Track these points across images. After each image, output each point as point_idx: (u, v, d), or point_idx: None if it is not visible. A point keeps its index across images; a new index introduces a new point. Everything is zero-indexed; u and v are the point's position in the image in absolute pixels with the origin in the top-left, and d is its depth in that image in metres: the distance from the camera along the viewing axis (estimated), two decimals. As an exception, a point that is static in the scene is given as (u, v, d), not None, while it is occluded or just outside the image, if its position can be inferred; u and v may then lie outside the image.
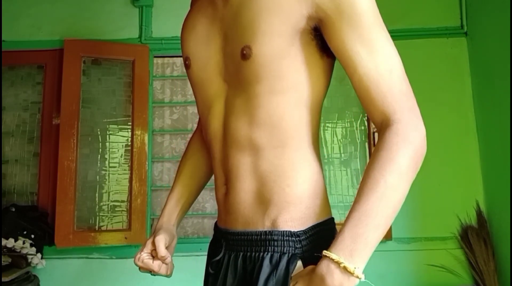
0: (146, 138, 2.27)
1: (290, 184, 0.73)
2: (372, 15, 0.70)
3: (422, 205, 2.21)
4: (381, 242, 2.30)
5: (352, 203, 0.66)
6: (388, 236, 2.14)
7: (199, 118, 0.94)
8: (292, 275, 0.68)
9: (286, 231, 0.72)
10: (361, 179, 0.67)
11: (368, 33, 0.69)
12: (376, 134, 2.22)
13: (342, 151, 2.31)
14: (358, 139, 2.31)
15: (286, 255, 0.70)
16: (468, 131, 2.26)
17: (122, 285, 2.20)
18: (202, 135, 0.92)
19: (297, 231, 0.72)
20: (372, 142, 2.23)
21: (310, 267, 0.66)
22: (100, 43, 2.32)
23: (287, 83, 0.73)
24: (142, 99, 2.28)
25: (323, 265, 0.61)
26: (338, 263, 0.60)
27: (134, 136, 2.26)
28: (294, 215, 0.73)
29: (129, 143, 2.29)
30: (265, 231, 0.73)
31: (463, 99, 2.29)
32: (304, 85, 0.74)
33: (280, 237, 0.71)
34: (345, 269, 0.60)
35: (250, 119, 0.74)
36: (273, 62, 0.71)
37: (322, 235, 0.73)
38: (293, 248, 0.70)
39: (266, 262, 0.70)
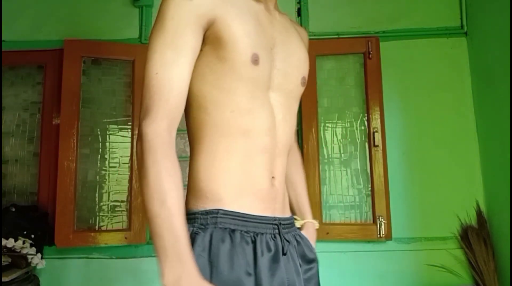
0: (146, 138, 2.27)
1: None
2: None
3: (422, 205, 2.21)
4: (381, 242, 2.29)
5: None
6: (388, 236, 2.14)
7: (221, 114, 0.87)
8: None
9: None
10: (295, 170, 1.22)
11: None
12: (376, 134, 2.22)
13: (342, 151, 2.31)
14: (358, 139, 2.31)
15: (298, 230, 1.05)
16: (468, 131, 2.26)
17: (122, 285, 2.20)
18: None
19: None
20: (372, 142, 2.23)
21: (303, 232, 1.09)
22: (100, 43, 2.32)
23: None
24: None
25: (313, 226, 1.16)
26: (313, 224, 1.17)
27: (134, 136, 2.26)
28: None
29: (129, 143, 2.29)
30: (292, 216, 1.04)
31: (463, 99, 2.29)
32: None
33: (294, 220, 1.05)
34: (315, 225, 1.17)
35: (292, 127, 1.01)
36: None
37: None
38: None
39: (302, 235, 1.04)
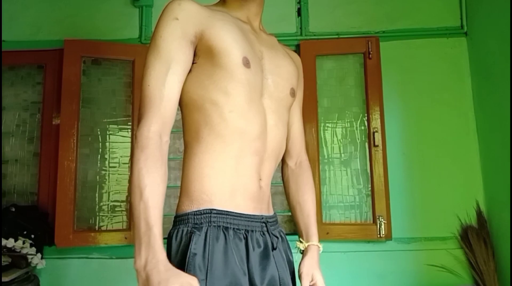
0: (146, 138, 2.27)
1: None
2: None
3: (422, 205, 2.21)
4: (381, 242, 2.29)
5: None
6: (388, 236, 2.14)
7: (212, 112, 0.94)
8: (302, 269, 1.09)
9: None
10: (303, 190, 1.19)
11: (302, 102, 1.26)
12: (376, 134, 2.22)
13: (342, 151, 2.31)
14: (358, 139, 2.31)
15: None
16: (468, 131, 2.26)
17: (122, 285, 2.20)
18: (164, 136, 0.88)
19: None
20: (372, 142, 2.23)
21: (307, 260, 1.10)
22: (100, 43, 2.32)
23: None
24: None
25: (317, 249, 1.13)
26: (318, 246, 1.14)
27: (135, 136, 2.26)
28: None
29: (129, 143, 2.29)
30: (275, 214, 1.10)
31: (463, 99, 2.29)
32: None
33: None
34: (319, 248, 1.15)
35: (283, 136, 1.07)
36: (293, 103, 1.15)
37: None
38: None
39: (284, 231, 1.10)
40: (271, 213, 1.06)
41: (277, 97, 1.04)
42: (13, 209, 2.11)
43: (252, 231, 0.94)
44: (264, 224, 0.98)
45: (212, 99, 0.93)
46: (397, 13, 2.37)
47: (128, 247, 2.19)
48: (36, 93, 2.40)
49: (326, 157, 2.30)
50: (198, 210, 0.91)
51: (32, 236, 2.06)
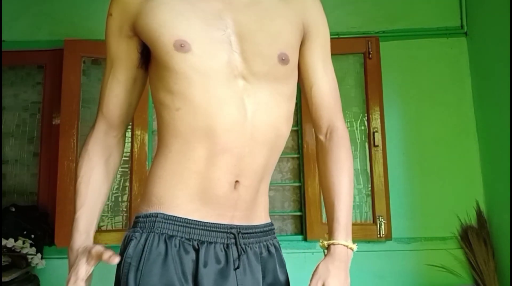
0: (146, 138, 2.27)
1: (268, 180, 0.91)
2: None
3: (422, 205, 2.21)
4: (381, 242, 2.28)
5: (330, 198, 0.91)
6: (388, 236, 2.14)
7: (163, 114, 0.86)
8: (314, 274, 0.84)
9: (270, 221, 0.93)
10: (329, 171, 0.91)
11: (328, 54, 0.95)
12: (376, 134, 2.22)
13: (342, 151, 2.31)
14: (358, 139, 2.31)
15: (275, 238, 0.93)
16: (468, 131, 2.26)
17: (122, 285, 2.20)
18: (112, 137, 0.92)
19: None
20: (372, 142, 2.23)
21: (320, 266, 0.84)
22: (100, 43, 2.30)
23: (294, 87, 0.91)
24: (142, 99, 2.27)
25: (343, 250, 0.84)
26: (347, 247, 0.85)
27: (134, 136, 2.26)
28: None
29: (129, 143, 2.29)
30: (268, 223, 0.91)
31: (463, 99, 2.29)
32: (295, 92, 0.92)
33: (272, 226, 0.92)
34: (351, 248, 0.86)
35: (279, 118, 0.85)
36: (295, 69, 0.90)
37: None
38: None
39: (277, 245, 0.90)
40: (253, 222, 0.86)
41: (259, 72, 0.82)
42: (13, 209, 2.11)
43: (209, 242, 0.79)
44: (232, 236, 0.81)
45: (160, 99, 0.83)
46: (397, 13, 2.37)
47: (128, 247, 2.19)
48: (36, 93, 2.40)
49: (326, 157, 2.30)
50: (145, 214, 0.82)
51: (32, 236, 2.06)
